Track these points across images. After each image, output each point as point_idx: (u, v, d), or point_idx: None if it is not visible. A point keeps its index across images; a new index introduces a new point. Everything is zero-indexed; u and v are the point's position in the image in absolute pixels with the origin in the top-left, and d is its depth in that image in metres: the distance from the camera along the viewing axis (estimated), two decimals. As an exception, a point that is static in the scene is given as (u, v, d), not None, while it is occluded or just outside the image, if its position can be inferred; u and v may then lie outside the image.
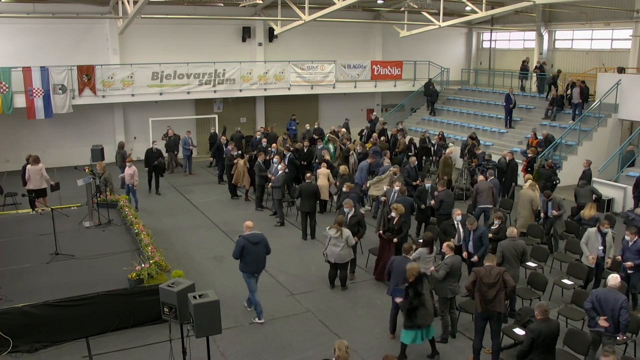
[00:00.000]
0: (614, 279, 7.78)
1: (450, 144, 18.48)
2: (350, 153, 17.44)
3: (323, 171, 14.95)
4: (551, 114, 20.40)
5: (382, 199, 12.76)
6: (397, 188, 12.58)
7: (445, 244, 8.95)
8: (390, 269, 8.75)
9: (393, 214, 10.89)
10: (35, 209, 13.08)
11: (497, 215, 11.09)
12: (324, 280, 10.72)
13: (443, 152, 18.59)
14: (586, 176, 14.68)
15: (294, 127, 22.61)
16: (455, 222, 10.82)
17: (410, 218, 12.36)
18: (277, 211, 14.48)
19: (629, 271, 9.54)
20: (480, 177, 13.79)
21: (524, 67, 23.92)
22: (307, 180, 13.48)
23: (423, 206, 12.99)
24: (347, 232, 10.19)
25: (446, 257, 8.72)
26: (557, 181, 15.35)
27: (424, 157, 19.46)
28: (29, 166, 13.80)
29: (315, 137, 20.07)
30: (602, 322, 7.55)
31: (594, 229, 10.16)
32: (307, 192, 13.09)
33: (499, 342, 8.03)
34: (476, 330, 8.11)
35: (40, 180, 13.73)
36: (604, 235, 10.04)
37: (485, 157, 16.11)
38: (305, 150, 17.35)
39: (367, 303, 10.07)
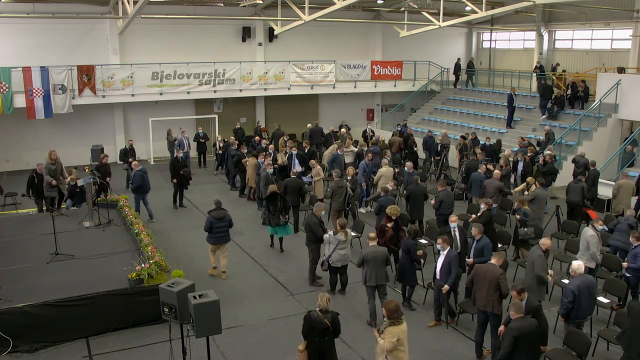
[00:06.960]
0: (579, 265, 7.92)
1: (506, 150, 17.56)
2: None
3: (318, 171, 14.98)
4: (551, 113, 20.39)
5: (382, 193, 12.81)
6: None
7: (371, 234, 9.44)
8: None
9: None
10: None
11: (485, 200, 11.04)
12: (323, 279, 10.70)
13: (444, 152, 18.59)
14: (591, 177, 14.63)
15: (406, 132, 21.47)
16: (452, 230, 10.12)
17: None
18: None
19: (626, 274, 9.51)
20: (497, 172, 13.59)
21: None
22: (292, 176, 13.89)
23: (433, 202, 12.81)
24: (350, 232, 10.23)
25: (369, 246, 9.14)
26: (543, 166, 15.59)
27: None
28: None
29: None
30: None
31: (592, 231, 9.94)
32: (293, 187, 13.46)
33: (498, 340, 7.99)
34: (478, 322, 8.19)
35: None
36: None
37: (486, 157, 16.11)
38: (306, 151, 17.35)
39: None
